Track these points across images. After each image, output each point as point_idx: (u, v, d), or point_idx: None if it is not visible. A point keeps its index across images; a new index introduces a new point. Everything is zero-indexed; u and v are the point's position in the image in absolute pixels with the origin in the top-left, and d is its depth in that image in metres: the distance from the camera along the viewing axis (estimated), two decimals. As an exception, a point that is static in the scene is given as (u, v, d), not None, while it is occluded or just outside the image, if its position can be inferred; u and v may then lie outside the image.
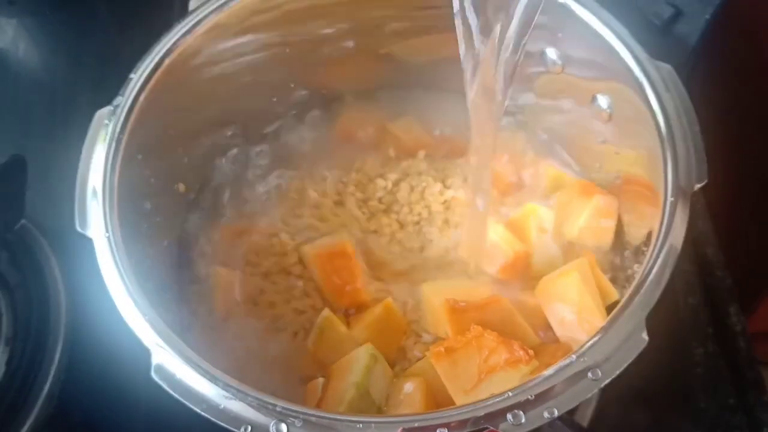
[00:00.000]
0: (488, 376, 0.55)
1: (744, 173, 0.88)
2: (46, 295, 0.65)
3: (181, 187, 0.70)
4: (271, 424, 0.44)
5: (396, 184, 0.74)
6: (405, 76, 0.77)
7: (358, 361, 0.59)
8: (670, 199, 0.52)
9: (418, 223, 0.72)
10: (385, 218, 0.72)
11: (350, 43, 0.73)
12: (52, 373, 0.62)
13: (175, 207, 0.70)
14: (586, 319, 0.58)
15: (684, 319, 0.69)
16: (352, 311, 0.67)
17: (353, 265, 0.66)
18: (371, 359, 0.59)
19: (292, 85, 0.76)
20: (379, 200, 0.74)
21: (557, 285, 0.61)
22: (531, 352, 0.55)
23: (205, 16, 0.62)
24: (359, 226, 0.72)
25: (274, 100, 0.76)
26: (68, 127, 0.81)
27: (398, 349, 0.65)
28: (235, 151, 0.75)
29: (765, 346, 0.82)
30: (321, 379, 0.61)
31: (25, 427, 0.59)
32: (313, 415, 0.44)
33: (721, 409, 0.64)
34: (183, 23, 0.61)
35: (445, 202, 0.73)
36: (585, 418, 0.66)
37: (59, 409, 0.62)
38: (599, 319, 0.58)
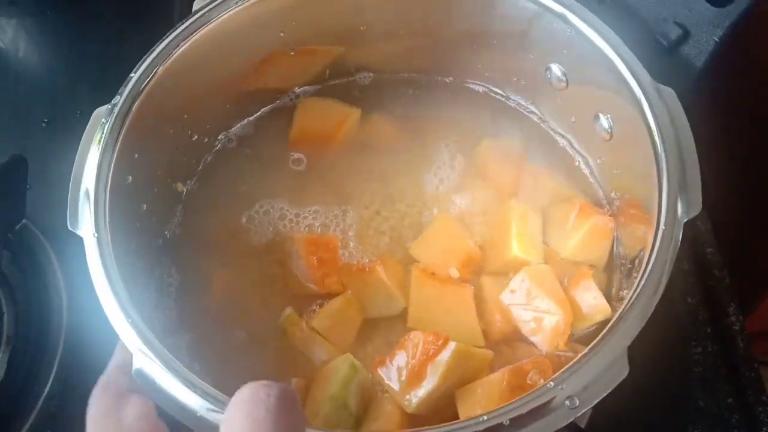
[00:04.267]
0: (422, 370, 0.55)
1: (744, 180, 0.88)
2: (47, 294, 0.66)
3: (179, 186, 0.70)
4: None
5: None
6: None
7: (337, 372, 0.57)
8: (661, 228, 0.51)
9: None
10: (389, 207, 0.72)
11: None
12: (53, 372, 0.62)
13: (172, 206, 0.70)
14: (542, 313, 0.60)
15: (683, 318, 0.69)
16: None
17: (336, 258, 0.66)
18: (351, 370, 0.57)
19: (297, 89, 0.76)
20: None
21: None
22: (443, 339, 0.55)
23: (208, 16, 0.62)
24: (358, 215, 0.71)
25: (277, 101, 0.76)
26: (68, 127, 0.82)
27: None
28: (233, 150, 0.75)
29: (764, 346, 0.82)
30: (294, 380, 0.59)
31: (26, 426, 0.60)
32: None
33: (720, 409, 0.65)
34: (186, 23, 0.61)
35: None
36: (583, 418, 0.66)
37: (60, 408, 0.62)
38: (560, 311, 0.59)
